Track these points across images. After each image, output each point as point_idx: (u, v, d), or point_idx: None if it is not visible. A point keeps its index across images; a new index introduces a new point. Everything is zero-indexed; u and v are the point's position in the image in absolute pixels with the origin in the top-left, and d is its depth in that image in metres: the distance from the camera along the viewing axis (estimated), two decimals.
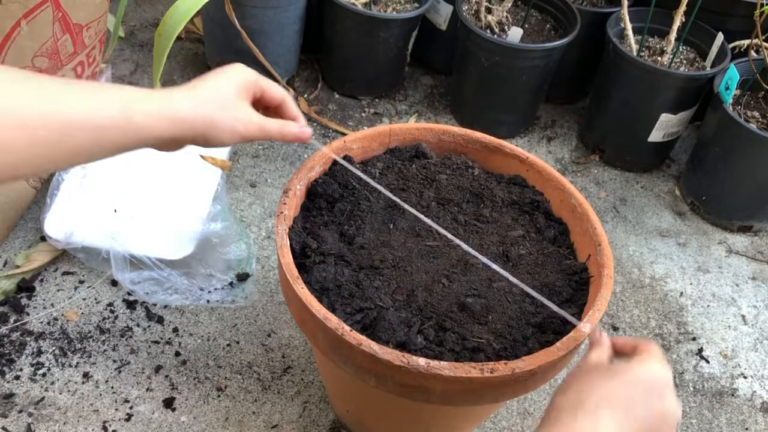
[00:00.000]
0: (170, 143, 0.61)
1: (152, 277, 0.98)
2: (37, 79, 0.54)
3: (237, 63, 0.66)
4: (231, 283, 1.03)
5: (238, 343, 0.97)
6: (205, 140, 0.62)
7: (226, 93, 0.63)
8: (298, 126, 0.68)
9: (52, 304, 0.98)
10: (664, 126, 1.32)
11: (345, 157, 0.82)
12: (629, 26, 1.31)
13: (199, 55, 1.49)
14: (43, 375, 0.90)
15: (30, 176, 0.85)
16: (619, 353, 0.57)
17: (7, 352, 0.91)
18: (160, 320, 0.98)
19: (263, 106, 0.68)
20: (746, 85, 1.26)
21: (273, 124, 0.66)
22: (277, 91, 0.68)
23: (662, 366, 0.54)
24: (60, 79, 0.57)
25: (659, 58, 1.32)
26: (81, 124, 0.54)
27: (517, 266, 0.75)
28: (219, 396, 0.91)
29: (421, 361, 0.59)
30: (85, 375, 0.91)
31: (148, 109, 0.58)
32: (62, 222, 0.99)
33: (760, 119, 1.24)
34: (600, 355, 0.56)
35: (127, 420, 0.87)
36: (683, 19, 1.27)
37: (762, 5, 1.17)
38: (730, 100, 1.22)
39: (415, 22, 1.38)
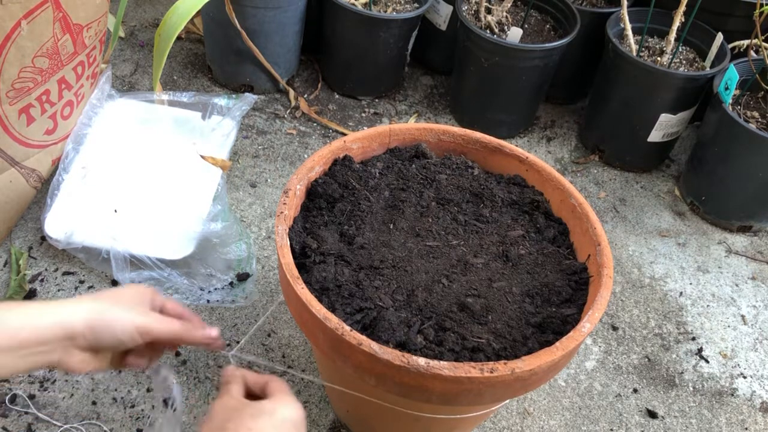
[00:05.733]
0: (61, 348, 0.59)
1: (152, 277, 0.98)
2: None
3: (138, 284, 0.68)
4: (231, 283, 1.03)
5: (238, 342, 0.97)
6: (95, 335, 0.59)
7: (126, 295, 0.63)
8: (204, 330, 0.67)
9: None
10: (664, 126, 1.32)
11: (345, 157, 0.82)
12: (629, 26, 1.31)
13: (199, 55, 1.50)
14: (44, 375, 0.90)
15: None
16: (250, 390, 0.62)
17: None
18: None
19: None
20: (746, 85, 1.27)
21: (175, 321, 0.65)
22: (174, 306, 0.68)
23: (297, 404, 0.59)
24: None
25: (659, 59, 1.33)
26: None
27: (517, 266, 0.75)
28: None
29: (421, 361, 0.60)
30: (86, 375, 0.91)
31: (22, 311, 0.57)
32: (62, 222, 0.99)
33: (760, 119, 1.25)
34: (239, 390, 0.60)
35: (128, 420, 0.87)
36: (683, 20, 1.27)
37: (761, 5, 1.17)
38: (730, 100, 1.22)
39: (415, 22, 1.38)
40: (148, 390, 0.90)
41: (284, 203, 0.73)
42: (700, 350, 1.09)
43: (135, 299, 0.64)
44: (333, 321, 0.62)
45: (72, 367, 0.60)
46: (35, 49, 0.90)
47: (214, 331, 0.67)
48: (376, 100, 1.48)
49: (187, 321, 0.67)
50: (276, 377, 0.62)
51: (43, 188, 1.06)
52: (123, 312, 0.61)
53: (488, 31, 1.36)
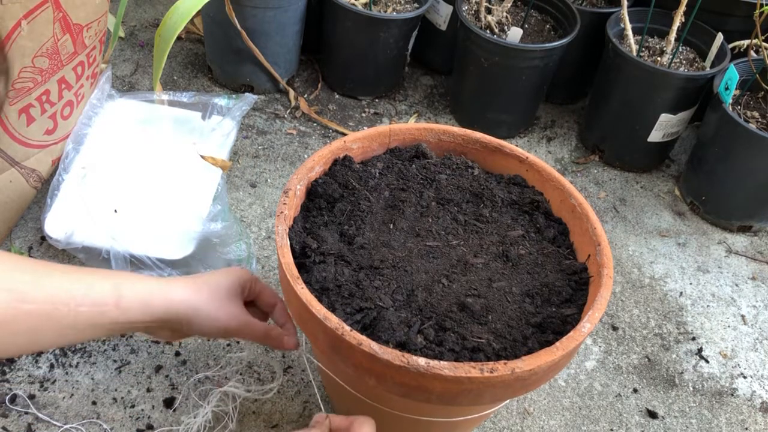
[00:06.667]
0: (158, 327, 0.66)
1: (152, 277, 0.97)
2: (32, 264, 0.59)
3: (238, 267, 0.72)
4: None
5: (238, 342, 0.97)
6: (189, 326, 0.66)
7: (221, 288, 0.68)
8: (282, 333, 0.72)
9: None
10: (664, 126, 1.32)
11: (345, 157, 0.82)
12: (629, 26, 1.31)
13: (199, 55, 1.50)
14: (44, 375, 0.90)
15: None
16: (337, 430, 0.65)
17: None
18: None
19: (258, 309, 0.74)
20: (746, 86, 1.27)
21: (258, 326, 0.71)
22: (270, 296, 0.74)
23: None
24: (55, 264, 0.62)
25: (659, 59, 1.33)
26: (71, 300, 0.58)
27: (517, 266, 0.75)
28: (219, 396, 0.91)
29: (421, 361, 0.60)
30: (86, 375, 0.91)
31: (139, 288, 0.63)
32: (62, 222, 0.99)
33: (760, 119, 1.25)
34: None
35: (128, 420, 0.87)
36: (683, 20, 1.28)
37: (762, 5, 1.17)
38: (730, 101, 1.22)
39: (415, 22, 1.38)
40: (148, 390, 0.90)
41: (284, 203, 0.73)
42: (700, 350, 1.09)
43: (231, 290, 0.69)
44: (333, 321, 0.62)
45: (159, 337, 0.67)
46: (35, 49, 0.90)
47: (294, 342, 0.73)
48: (376, 100, 1.48)
49: (275, 316, 0.73)
50: (363, 419, 0.65)
51: (43, 188, 1.06)
52: (216, 313, 0.67)
53: (488, 31, 1.36)
